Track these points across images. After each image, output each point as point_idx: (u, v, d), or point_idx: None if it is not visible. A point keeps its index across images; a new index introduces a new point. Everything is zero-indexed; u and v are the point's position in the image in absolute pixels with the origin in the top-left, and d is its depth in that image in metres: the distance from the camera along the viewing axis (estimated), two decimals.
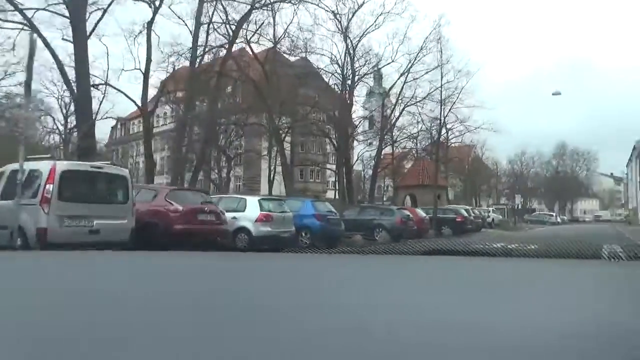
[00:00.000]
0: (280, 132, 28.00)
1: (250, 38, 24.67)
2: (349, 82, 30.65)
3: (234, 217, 10.96)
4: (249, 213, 11.06)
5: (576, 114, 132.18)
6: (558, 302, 0.90)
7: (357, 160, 32.74)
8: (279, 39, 26.10)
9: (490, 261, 1.68)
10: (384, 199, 51.35)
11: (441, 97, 25.15)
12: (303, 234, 12.62)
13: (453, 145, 47.18)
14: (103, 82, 20.32)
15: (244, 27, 23.33)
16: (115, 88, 20.70)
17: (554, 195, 76.54)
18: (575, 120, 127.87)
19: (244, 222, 10.86)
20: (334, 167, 35.34)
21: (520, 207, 66.15)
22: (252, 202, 11.34)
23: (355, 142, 37.98)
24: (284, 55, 28.56)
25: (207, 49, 21.89)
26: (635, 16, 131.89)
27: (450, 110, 28.73)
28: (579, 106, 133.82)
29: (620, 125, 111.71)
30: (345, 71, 30.78)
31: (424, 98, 31.73)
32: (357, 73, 30.39)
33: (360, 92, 32.74)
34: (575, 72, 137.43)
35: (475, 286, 1.10)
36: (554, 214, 59.35)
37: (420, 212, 20.36)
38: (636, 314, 0.81)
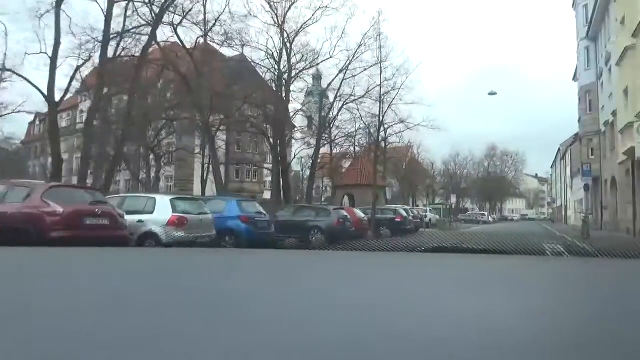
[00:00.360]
0: (213, 128, 26.01)
1: (178, 24, 22.52)
2: (286, 77, 29.09)
3: (140, 221, 9.10)
4: (158, 215, 9.21)
5: (506, 118, 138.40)
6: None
7: (293, 158, 31.17)
8: (210, 27, 24.07)
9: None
10: (323, 199, 50.40)
11: (380, 94, 24.14)
12: (226, 239, 10.93)
13: (391, 145, 47.04)
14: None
15: (170, 10, 21.18)
16: (16, 73, 18.03)
17: (485, 195, 78.95)
18: (506, 124, 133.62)
19: (151, 227, 9.00)
20: (270, 166, 33.72)
21: (454, 206, 67.78)
22: (162, 202, 9.46)
23: (294, 141, 36.72)
24: (216, 46, 26.62)
25: (124, 32, 19.46)
26: (557, 31, 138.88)
27: (389, 107, 27.88)
28: (509, 110, 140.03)
29: (546, 129, 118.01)
30: (281, 66, 29.29)
31: (363, 96, 30.86)
32: (294, 68, 28.87)
33: (299, 90, 31.23)
34: (506, 77, 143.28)
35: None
36: (486, 214, 60.72)
37: (359, 213, 19.14)
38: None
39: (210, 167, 28.73)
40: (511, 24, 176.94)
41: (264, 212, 12.94)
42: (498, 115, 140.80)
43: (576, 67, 36.23)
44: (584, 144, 31.39)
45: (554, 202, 63.28)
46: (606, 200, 28.16)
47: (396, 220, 22.15)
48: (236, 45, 26.13)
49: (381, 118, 25.38)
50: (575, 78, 38.70)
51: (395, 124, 30.33)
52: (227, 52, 27.76)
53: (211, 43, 25.98)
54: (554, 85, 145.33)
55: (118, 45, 19.70)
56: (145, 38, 20.61)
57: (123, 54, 20.72)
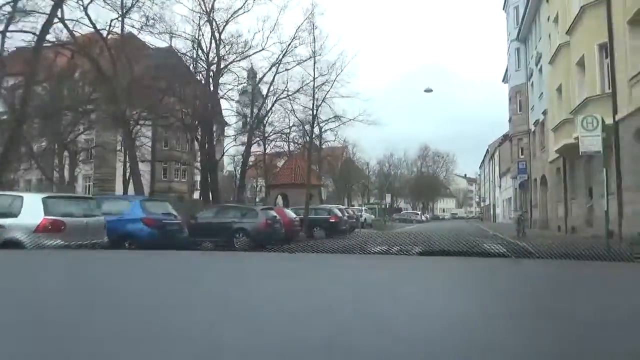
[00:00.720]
0: (131, 122, 23.41)
1: (89, 3, 19.86)
2: (214, 68, 26.97)
3: (0, 226, 6.97)
4: (25, 219, 7.11)
5: (440, 118, 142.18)
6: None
7: (222, 156, 29.05)
8: (127, 9, 21.55)
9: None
10: (257, 199, 48.48)
11: (313, 87, 22.67)
12: (126, 245, 8.94)
13: (326, 143, 45.98)
14: None
15: None
16: None
17: (417, 194, 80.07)
18: (439, 124, 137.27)
19: (15, 233, 6.88)
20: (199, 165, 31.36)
21: (388, 206, 67.99)
22: (31, 203, 7.34)
23: (227, 139, 34.58)
24: (135, 31, 24.03)
25: (17, 11, 16.59)
26: (490, 33, 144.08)
27: (323, 100, 26.47)
28: (443, 111, 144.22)
29: (476, 130, 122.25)
30: (210, 58, 27.17)
31: (297, 91, 29.31)
32: (223, 59, 26.82)
33: (230, 83, 29.04)
34: (441, 77, 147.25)
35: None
36: (419, 213, 61.15)
37: (290, 213, 17.53)
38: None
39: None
40: (446, 24, 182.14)
41: (175, 214, 11.01)
42: (432, 116, 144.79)
43: (506, 68, 36.65)
44: (514, 143, 31.60)
45: (484, 202, 64.90)
46: (536, 198, 28.33)
47: (331, 220, 20.76)
48: (159, 32, 23.74)
49: (314, 112, 23.80)
50: (505, 79, 39.28)
51: (330, 119, 28.86)
52: (156, 42, 25.34)
53: (130, 28, 23.42)
54: (486, 86, 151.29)
55: (9, 23, 16.78)
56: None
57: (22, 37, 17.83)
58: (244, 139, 33.08)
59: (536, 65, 26.91)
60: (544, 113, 24.76)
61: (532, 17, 27.26)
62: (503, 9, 34.99)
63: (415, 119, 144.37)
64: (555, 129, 19.90)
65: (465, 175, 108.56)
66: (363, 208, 36.49)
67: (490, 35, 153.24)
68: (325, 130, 43.70)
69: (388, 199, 42.49)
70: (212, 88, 26.81)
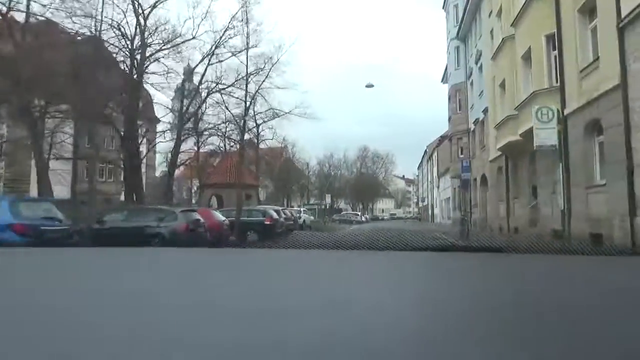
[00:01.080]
0: (36, 114, 20.50)
1: None
2: (139, 57, 24.43)
3: None
4: None
5: (378, 120, 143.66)
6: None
7: (147, 153, 26.41)
8: None
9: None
10: (194, 201, 45.73)
11: (247, 77, 20.79)
12: None
13: (264, 141, 44.13)
14: None
15: None
16: None
17: (357, 195, 79.70)
18: (379, 125, 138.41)
19: None
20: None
21: (329, 207, 66.95)
22: None
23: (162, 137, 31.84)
24: (49, 15, 21.16)
25: None
26: (431, 33, 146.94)
27: (257, 91, 24.71)
28: (381, 112, 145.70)
29: (415, 131, 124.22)
30: (135, 45, 24.58)
31: (231, 85, 27.28)
32: (149, 46, 24.33)
33: (162, 76, 26.37)
34: (380, 78, 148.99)
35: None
36: (359, 213, 60.40)
37: (217, 215, 15.58)
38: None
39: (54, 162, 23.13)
40: (386, 23, 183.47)
41: (61, 218, 8.84)
42: (372, 116, 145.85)
43: (445, 68, 36.35)
44: (453, 142, 31.16)
45: (423, 202, 65.25)
46: (475, 198, 27.90)
47: (266, 223, 18.95)
48: (72, 14, 21.02)
49: (247, 104, 21.93)
50: (444, 79, 39.07)
51: (266, 111, 27.06)
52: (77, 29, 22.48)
53: (40, 7, 20.50)
54: (426, 86, 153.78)
55: None
56: None
57: None
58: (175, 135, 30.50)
59: (476, 63, 26.43)
60: (485, 111, 24.23)
61: (472, 15, 26.77)
62: (443, 7, 34.63)
63: (355, 119, 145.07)
64: (498, 126, 19.19)
65: (404, 176, 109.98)
66: (302, 209, 34.87)
67: (431, 35, 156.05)
68: (263, 128, 42.04)
69: (328, 199, 41.20)
70: (136, 77, 24.25)
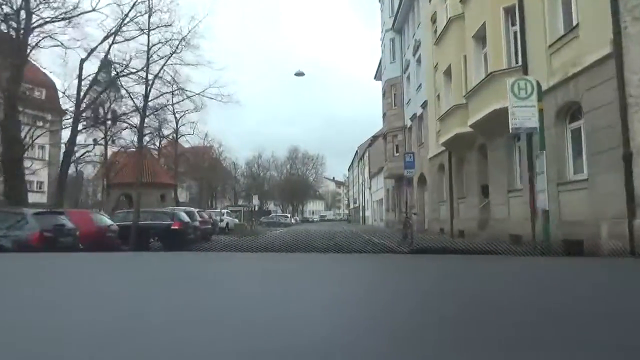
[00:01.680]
0: None
1: None
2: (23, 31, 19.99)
3: None
4: None
5: (308, 121, 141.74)
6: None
7: (31, 143, 21.77)
8: None
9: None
10: (116, 204, 40.75)
11: (148, 49, 17.17)
12: None
13: (184, 137, 40.17)
14: None
15: None
16: None
17: (287, 197, 76.75)
18: (308, 127, 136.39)
19: None
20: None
21: (257, 209, 63.39)
22: None
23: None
24: None
25: None
26: (367, 31, 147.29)
27: (162, 68, 21.09)
28: (313, 115, 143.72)
29: (346, 133, 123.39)
30: (20, 18, 20.09)
31: (141, 69, 23.30)
32: (34, 13, 19.93)
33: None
34: (314, 82, 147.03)
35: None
36: (289, 215, 57.33)
37: (99, 219, 11.98)
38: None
39: None
40: (317, 21, 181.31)
41: None
42: (302, 117, 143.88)
43: (379, 63, 34.34)
44: (388, 140, 29.06)
45: (355, 203, 63.37)
46: (412, 199, 25.89)
47: (173, 228, 15.46)
48: None
49: (149, 83, 18.33)
50: (377, 76, 37.10)
51: (174, 92, 23.40)
52: None
53: None
54: (359, 88, 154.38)
55: None
56: None
57: None
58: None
59: (414, 54, 24.40)
60: (424, 105, 22.16)
61: (409, 3, 24.72)
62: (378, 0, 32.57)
63: (285, 120, 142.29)
64: (443, 118, 17.00)
65: (334, 178, 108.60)
66: (224, 211, 31.28)
67: (364, 32, 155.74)
68: (183, 122, 38.03)
69: (255, 200, 37.87)
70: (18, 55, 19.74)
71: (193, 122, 36.95)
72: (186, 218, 16.56)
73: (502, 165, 13.07)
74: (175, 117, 37.48)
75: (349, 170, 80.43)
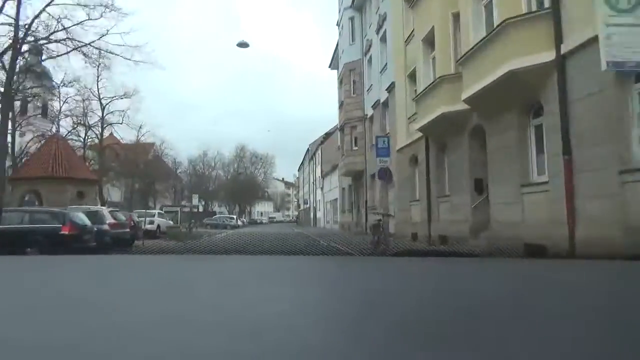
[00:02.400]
0: None
1: None
2: None
3: None
4: None
5: (258, 120, 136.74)
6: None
7: None
8: None
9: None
10: (26, 198, 34.94)
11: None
12: None
13: (111, 126, 35.09)
14: None
15: None
16: None
17: (234, 197, 71.87)
18: (257, 126, 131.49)
19: None
20: None
21: (202, 210, 58.24)
22: None
23: None
24: None
25: None
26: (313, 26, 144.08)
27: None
28: (260, 109, 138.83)
29: (296, 131, 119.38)
30: None
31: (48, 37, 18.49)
32: None
33: None
34: (265, 78, 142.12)
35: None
36: (235, 217, 52.54)
37: None
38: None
39: None
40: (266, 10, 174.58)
41: None
42: (252, 116, 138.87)
43: (335, 48, 30.80)
44: (346, 132, 25.48)
45: (306, 204, 59.40)
46: (372, 199, 22.44)
47: (62, 233, 11.01)
48: None
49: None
50: (332, 64, 33.55)
51: (50, 34, 18.79)
52: None
53: None
54: (312, 87, 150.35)
55: None
56: None
57: None
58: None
59: (377, 32, 20.94)
60: (390, 89, 18.72)
61: None
62: None
63: (235, 119, 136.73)
64: (422, 97, 13.47)
65: (283, 179, 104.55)
66: (156, 212, 26.50)
67: (317, 31, 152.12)
68: (110, 110, 33.08)
69: (195, 200, 33.32)
70: None
71: (123, 111, 32.07)
72: (83, 220, 12.09)
73: (511, 151, 9.65)
74: (101, 104, 32.44)
75: (299, 170, 76.62)
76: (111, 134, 38.50)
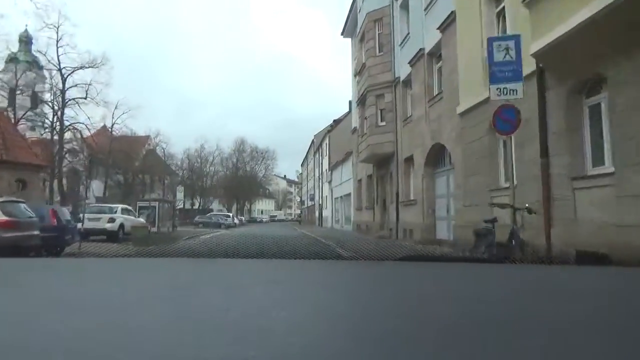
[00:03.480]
0: None
1: None
2: None
3: None
4: None
5: (258, 117, 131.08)
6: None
7: None
8: None
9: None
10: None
11: None
12: None
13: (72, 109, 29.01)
14: None
15: None
16: None
17: (233, 194, 65.63)
18: (262, 125, 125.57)
19: None
20: None
21: (198, 206, 52.19)
22: None
23: None
24: None
25: None
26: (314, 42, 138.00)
27: None
28: (260, 102, 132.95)
29: (300, 128, 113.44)
30: None
31: None
32: None
33: None
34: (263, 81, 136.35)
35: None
36: (231, 215, 46.02)
37: None
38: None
39: None
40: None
41: None
42: (257, 118, 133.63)
43: (350, 9, 24.43)
44: (369, 103, 19.06)
45: (311, 200, 52.82)
46: (408, 191, 16.15)
47: None
48: None
49: None
50: (344, 32, 27.18)
51: None
52: None
53: None
54: (308, 87, 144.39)
55: None
56: None
57: None
58: None
59: None
60: (445, 25, 12.40)
61: None
62: None
63: (239, 120, 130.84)
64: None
65: (285, 176, 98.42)
66: (119, 207, 19.90)
67: (328, 32, 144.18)
68: (75, 82, 26.91)
69: (180, 195, 27.16)
70: None
71: (87, 84, 25.91)
72: None
73: None
74: (61, 74, 26.18)
75: (302, 165, 70.17)
76: (63, 105, 31.95)
